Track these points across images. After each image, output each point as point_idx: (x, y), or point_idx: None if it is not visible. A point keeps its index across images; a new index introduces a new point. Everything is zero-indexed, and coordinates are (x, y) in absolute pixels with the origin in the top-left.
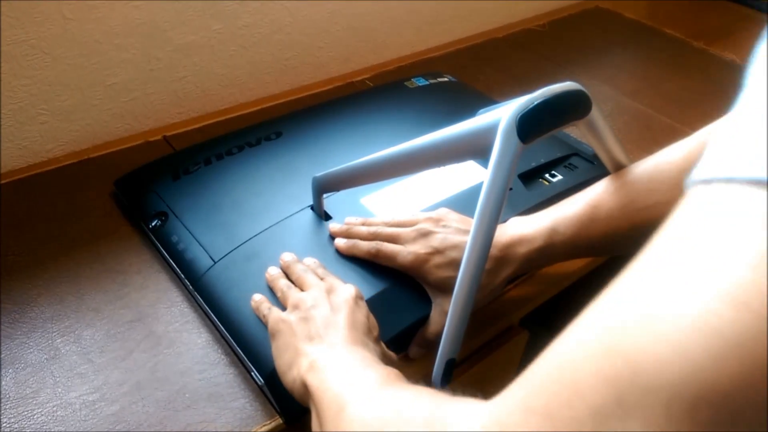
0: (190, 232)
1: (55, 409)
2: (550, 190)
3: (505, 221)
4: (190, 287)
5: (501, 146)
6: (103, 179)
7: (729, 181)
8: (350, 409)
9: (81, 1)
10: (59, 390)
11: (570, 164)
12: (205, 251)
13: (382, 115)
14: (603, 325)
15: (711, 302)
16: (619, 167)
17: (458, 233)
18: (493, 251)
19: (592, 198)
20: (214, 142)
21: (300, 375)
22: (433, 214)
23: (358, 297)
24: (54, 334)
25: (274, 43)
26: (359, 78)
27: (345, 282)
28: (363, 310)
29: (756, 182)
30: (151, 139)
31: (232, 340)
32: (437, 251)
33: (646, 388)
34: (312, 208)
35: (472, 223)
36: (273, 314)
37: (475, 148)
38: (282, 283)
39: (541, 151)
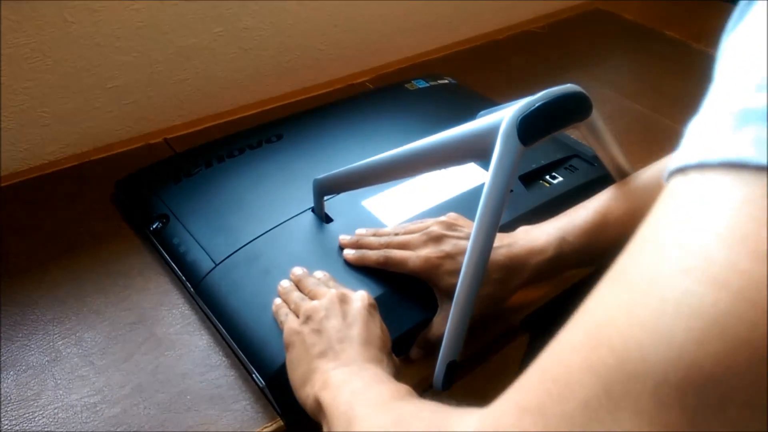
0: (191, 235)
1: (56, 411)
2: (550, 191)
3: (513, 229)
4: (191, 289)
5: (502, 148)
6: (104, 182)
7: (701, 166)
8: (358, 424)
9: (82, 4)
10: (60, 392)
11: (570, 166)
12: (207, 254)
13: (382, 117)
14: (590, 320)
15: (691, 285)
16: (619, 169)
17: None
18: (504, 261)
19: (601, 206)
20: (214, 145)
21: (314, 392)
22: (444, 218)
23: (371, 306)
24: (55, 336)
25: (274, 45)
26: (360, 80)
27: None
28: (377, 321)
29: (726, 164)
30: (152, 141)
31: (233, 343)
32: (449, 256)
33: (632, 377)
34: (313, 210)
35: None
36: (288, 323)
37: (476, 150)
38: (295, 296)
39: (542, 153)
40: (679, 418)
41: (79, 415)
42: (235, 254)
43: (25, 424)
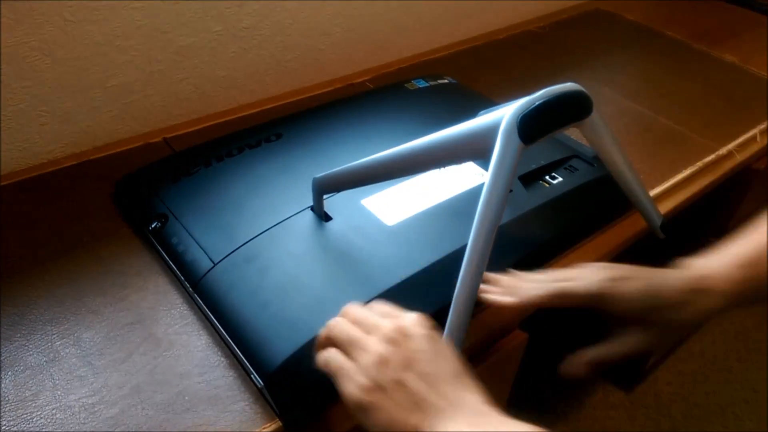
0: (189, 234)
1: (54, 412)
2: (550, 192)
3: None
4: (190, 289)
5: (502, 147)
6: (104, 181)
7: None
8: None
9: (81, 3)
10: (58, 393)
11: (570, 166)
12: (205, 253)
13: (382, 116)
14: None
15: None
16: (619, 170)
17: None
18: (679, 289)
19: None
20: (214, 144)
21: None
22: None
23: (430, 326)
24: (53, 336)
25: (274, 44)
26: (360, 80)
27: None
28: (443, 345)
29: None
30: (152, 140)
31: (231, 343)
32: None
33: None
34: (312, 209)
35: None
36: (353, 385)
37: (476, 149)
38: (345, 339)
39: (541, 153)
40: None
41: (77, 416)
42: (233, 253)
43: (23, 425)
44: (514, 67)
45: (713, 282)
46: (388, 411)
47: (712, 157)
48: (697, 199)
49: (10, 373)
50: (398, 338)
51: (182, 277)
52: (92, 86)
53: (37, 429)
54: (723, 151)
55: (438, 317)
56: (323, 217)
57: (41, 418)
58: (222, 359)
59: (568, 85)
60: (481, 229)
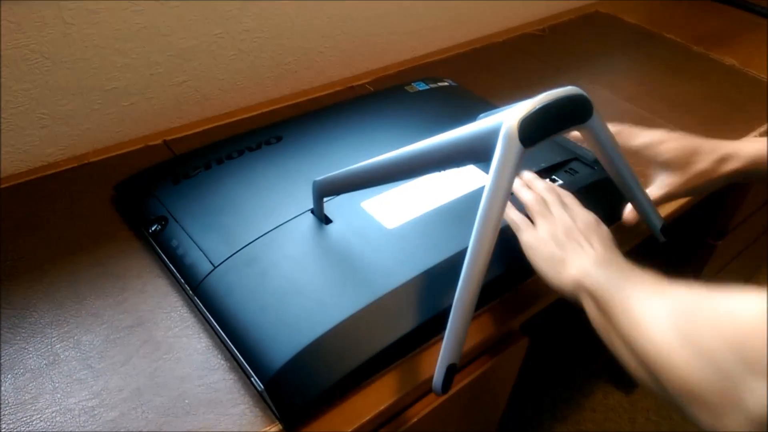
0: (189, 237)
1: (54, 415)
2: None
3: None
4: (190, 292)
5: (502, 150)
6: (103, 184)
7: None
8: (635, 302)
9: (81, 5)
10: (58, 396)
11: (570, 169)
12: (205, 256)
13: (382, 119)
14: None
15: None
16: (619, 173)
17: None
18: (725, 147)
19: None
20: (214, 147)
21: (573, 278)
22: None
23: (598, 221)
24: (53, 339)
25: (274, 47)
26: (359, 82)
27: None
28: (606, 230)
29: None
30: (151, 143)
31: (231, 346)
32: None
33: None
34: (312, 211)
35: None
36: (533, 231)
37: (477, 152)
38: (534, 200)
39: (542, 156)
40: None
41: (77, 419)
42: (233, 256)
43: (23, 428)
44: (514, 70)
45: (740, 147)
46: (553, 246)
47: None
48: (697, 201)
49: (9, 376)
50: (575, 201)
51: (182, 280)
52: (92, 89)
53: None
54: None
55: (438, 320)
56: (323, 220)
57: (41, 421)
58: (222, 362)
59: (568, 89)
60: (482, 232)
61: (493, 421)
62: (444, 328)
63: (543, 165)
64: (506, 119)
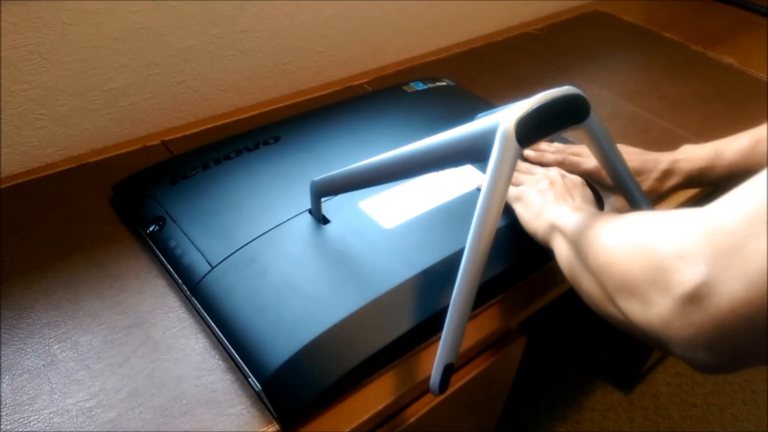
0: (187, 237)
1: (51, 416)
2: None
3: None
4: (188, 292)
5: (500, 150)
6: (102, 184)
7: None
8: (596, 229)
9: (79, 6)
10: (56, 396)
11: None
12: (203, 256)
13: (380, 119)
14: None
15: None
16: (616, 173)
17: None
18: (663, 165)
19: (758, 132)
20: (212, 147)
21: (548, 220)
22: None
23: (584, 183)
24: (51, 340)
25: (272, 47)
26: (358, 82)
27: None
28: (590, 192)
29: None
30: (150, 143)
31: (229, 346)
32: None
33: None
34: (310, 212)
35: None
36: (519, 187)
37: (474, 152)
38: (523, 167)
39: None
40: None
41: (75, 420)
42: (231, 257)
43: (21, 429)
44: (513, 70)
45: (678, 163)
46: (534, 198)
47: None
48: (695, 201)
49: (7, 376)
50: (558, 175)
51: (180, 281)
52: (90, 89)
53: None
54: None
55: (435, 319)
56: (321, 220)
57: (39, 422)
58: (219, 362)
59: (565, 88)
60: (479, 232)
61: (491, 421)
62: (441, 327)
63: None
64: (503, 119)
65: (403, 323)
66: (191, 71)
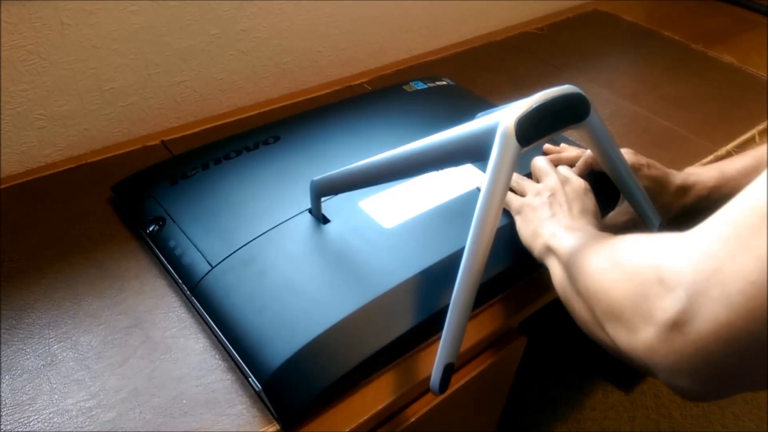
0: (187, 237)
1: (51, 416)
2: None
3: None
4: (188, 292)
5: (500, 149)
6: (101, 184)
7: None
8: (584, 253)
9: (79, 6)
10: (56, 397)
11: None
12: (203, 256)
13: (380, 118)
14: None
15: None
16: (617, 173)
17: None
18: (676, 183)
19: (759, 152)
20: (212, 147)
21: (544, 240)
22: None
23: (586, 188)
24: (51, 340)
25: (272, 47)
26: (357, 82)
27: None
28: (591, 200)
29: None
30: (149, 143)
31: (229, 346)
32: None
33: None
34: (310, 211)
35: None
36: (519, 198)
37: (474, 151)
38: (515, 177)
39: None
40: None
41: (75, 420)
42: (231, 256)
43: (21, 429)
44: (513, 69)
45: (692, 182)
46: (533, 214)
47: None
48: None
49: (7, 377)
50: (559, 183)
51: (180, 281)
52: (90, 90)
53: None
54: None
55: (435, 319)
56: (321, 219)
57: (39, 422)
58: (219, 362)
59: (565, 87)
60: (479, 231)
61: (492, 421)
62: (441, 327)
63: None
64: (503, 118)
65: (403, 323)
66: (191, 71)
